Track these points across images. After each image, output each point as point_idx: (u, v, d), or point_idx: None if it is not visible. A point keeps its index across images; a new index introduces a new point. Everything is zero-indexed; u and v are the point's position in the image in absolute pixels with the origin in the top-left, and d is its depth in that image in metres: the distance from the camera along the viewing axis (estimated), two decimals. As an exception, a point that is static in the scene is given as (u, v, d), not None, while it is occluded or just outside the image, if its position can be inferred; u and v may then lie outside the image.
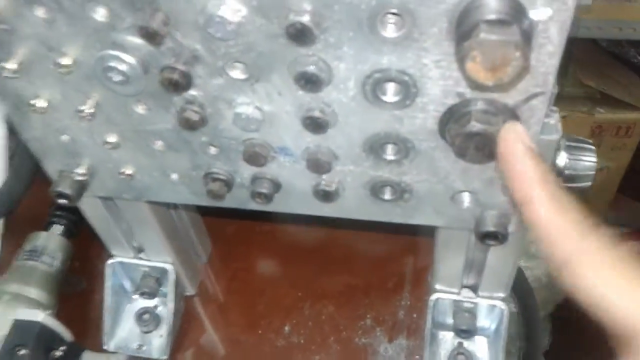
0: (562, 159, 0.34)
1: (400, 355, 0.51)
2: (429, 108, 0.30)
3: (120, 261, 0.51)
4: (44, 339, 0.45)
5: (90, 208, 0.45)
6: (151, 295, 0.52)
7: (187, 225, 0.52)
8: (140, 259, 0.51)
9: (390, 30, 0.26)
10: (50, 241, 0.54)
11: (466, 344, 0.49)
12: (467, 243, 0.41)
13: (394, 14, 0.26)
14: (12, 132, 0.66)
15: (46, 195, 0.56)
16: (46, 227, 0.55)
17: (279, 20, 0.27)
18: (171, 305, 0.51)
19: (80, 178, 0.39)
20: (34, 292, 0.50)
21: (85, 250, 0.57)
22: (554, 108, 0.32)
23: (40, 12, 0.29)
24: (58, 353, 0.46)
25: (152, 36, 0.28)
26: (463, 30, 0.25)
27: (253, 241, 0.59)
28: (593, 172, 0.35)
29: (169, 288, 0.51)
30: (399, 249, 0.58)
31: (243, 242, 0.59)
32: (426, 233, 0.55)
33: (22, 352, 0.44)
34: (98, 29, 0.29)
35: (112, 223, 0.47)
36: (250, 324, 0.54)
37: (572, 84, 0.98)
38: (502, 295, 0.46)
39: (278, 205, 0.38)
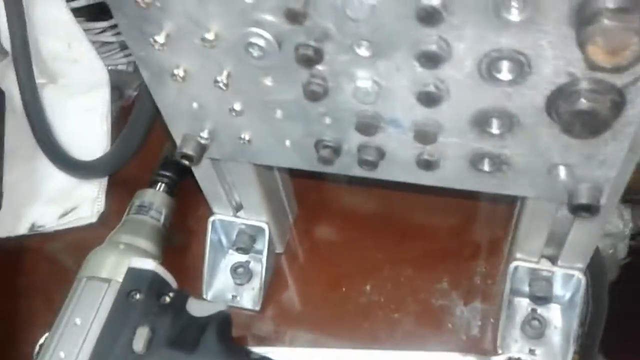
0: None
1: (475, 317, 0.54)
2: (539, 86, 0.32)
3: (220, 218, 0.56)
4: (155, 285, 0.50)
5: (201, 168, 0.49)
6: (245, 251, 0.57)
7: (280, 187, 0.56)
8: (238, 217, 0.56)
9: (513, 14, 0.29)
10: (157, 198, 0.59)
11: (540, 310, 0.52)
12: (553, 215, 0.44)
13: (518, -1, 0.28)
14: (115, 98, 0.72)
15: (145, 158, 0.61)
16: (150, 185, 0.60)
17: (411, 3, 0.30)
18: (264, 261, 0.56)
19: (203, 141, 0.43)
20: (144, 243, 0.55)
21: (182, 208, 0.62)
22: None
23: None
24: (167, 298, 0.51)
25: (295, 16, 0.31)
26: (585, 16, 0.27)
27: (336, 205, 0.63)
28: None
29: (263, 245, 0.56)
30: (476, 218, 0.60)
31: (327, 206, 0.63)
32: (503, 202, 0.58)
33: (137, 296, 0.50)
34: (244, 8, 0.32)
35: (217, 183, 0.51)
36: (333, 282, 0.58)
37: None
38: (580, 265, 0.48)
39: (381, 173, 0.41)
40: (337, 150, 0.40)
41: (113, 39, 0.75)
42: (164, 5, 0.34)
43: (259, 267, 0.57)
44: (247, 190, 0.52)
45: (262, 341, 0.55)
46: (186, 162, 0.44)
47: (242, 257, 0.58)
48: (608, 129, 0.33)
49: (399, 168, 0.41)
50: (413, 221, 0.61)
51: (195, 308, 0.51)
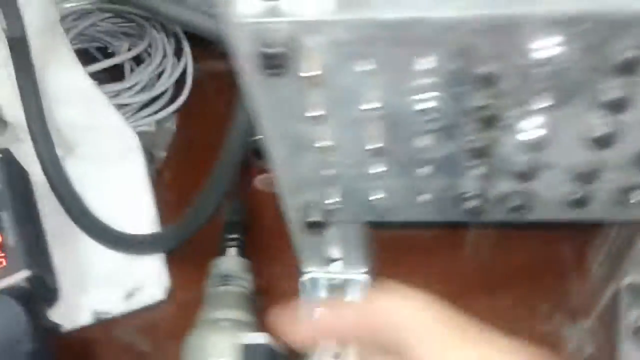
0: None
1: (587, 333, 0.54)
2: None
3: (313, 277, 0.53)
4: (272, 358, 0.48)
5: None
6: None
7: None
8: (330, 272, 0.53)
9: None
10: (235, 264, 0.56)
11: (650, 320, 0.52)
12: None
13: None
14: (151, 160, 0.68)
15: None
16: (221, 252, 0.57)
17: (610, 58, 0.29)
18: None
19: (330, 207, 0.41)
20: (241, 315, 0.52)
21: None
22: None
23: (361, 66, 0.31)
24: (284, 370, 0.48)
25: (488, 81, 0.29)
26: None
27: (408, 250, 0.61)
28: None
29: (357, 297, 0.54)
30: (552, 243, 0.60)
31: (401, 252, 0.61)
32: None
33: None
34: (416, 77, 0.31)
35: (317, 240, 0.49)
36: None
37: None
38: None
39: (531, 216, 0.40)
40: (485, 200, 0.39)
41: (130, 100, 0.71)
42: (326, 78, 0.32)
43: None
44: (350, 243, 0.49)
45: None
46: (317, 229, 0.41)
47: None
48: None
49: (548, 209, 0.39)
50: (498, 257, 0.60)
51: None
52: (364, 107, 0.32)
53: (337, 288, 0.54)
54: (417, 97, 0.32)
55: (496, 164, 0.36)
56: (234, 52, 0.32)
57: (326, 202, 0.40)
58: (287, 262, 0.54)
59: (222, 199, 0.53)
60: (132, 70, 0.74)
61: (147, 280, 0.59)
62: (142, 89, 0.72)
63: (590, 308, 0.56)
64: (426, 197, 0.40)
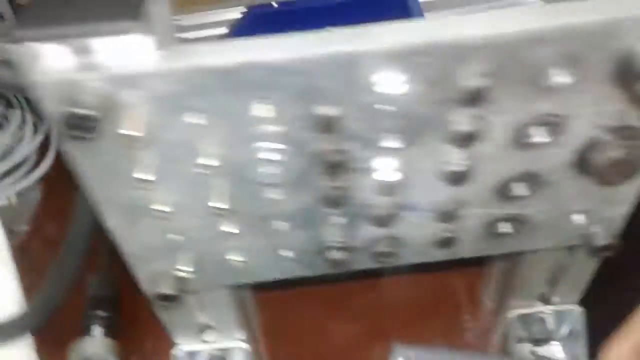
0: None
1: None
2: (570, 143, 0.31)
3: (186, 349, 0.48)
4: None
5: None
6: (221, 377, 0.49)
7: (246, 303, 0.50)
8: (206, 342, 0.48)
9: (556, 80, 0.28)
10: (98, 345, 0.49)
11: (541, 351, 0.51)
12: (561, 259, 0.43)
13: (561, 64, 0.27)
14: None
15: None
16: (84, 331, 0.51)
17: (452, 88, 0.27)
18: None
19: (183, 275, 0.36)
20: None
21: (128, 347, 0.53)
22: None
23: (192, 119, 0.27)
24: None
25: (328, 126, 0.27)
26: (634, 72, 0.27)
27: (296, 307, 0.58)
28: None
29: (240, 366, 0.49)
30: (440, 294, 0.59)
31: (287, 311, 0.58)
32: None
33: None
34: (255, 126, 0.28)
35: (184, 311, 0.44)
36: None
37: None
38: (575, 298, 0.48)
39: (397, 260, 0.38)
40: (349, 250, 0.36)
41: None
42: (152, 137, 0.28)
43: (242, 390, 0.49)
44: (220, 310, 0.45)
45: None
46: (165, 303, 0.36)
47: (217, 384, 0.50)
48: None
49: (416, 251, 0.37)
50: (384, 301, 0.58)
51: None
52: (200, 162, 0.29)
53: (218, 358, 0.49)
54: (258, 147, 0.29)
55: (354, 211, 0.34)
56: (44, 112, 0.27)
57: (178, 270, 0.36)
58: (161, 336, 0.49)
59: (76, 270, 0.47)
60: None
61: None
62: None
63: (486, 342, 0.54)
64: (287, 253, 0.37)
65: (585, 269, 0.45)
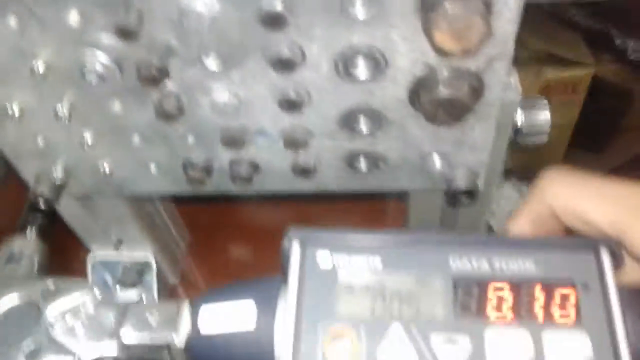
0: (520, 117, 0.37)
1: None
2: (399, 79, 0.31)
3: (100, 258, 0.51)
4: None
5: (67, 208, 0.45)
6: (133, 286, 0.53)
7: (162, 214, 0.53)
8: (120, 253, 0.52)
9: (359, 11, 0.28)
10: (24, 244, 0.53)
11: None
12: (440, 206, 0.43)
13: (361, -7, 0.27)
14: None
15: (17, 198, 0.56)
16: (20, 231, 0.55)
17: (252, 9, 0.28)
18: (155, 296, 0.52)
19: (58, 179, 0.39)
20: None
21: (61, 247, 0.57)
22: (513, 69, 0.34)
23: (11, 21, 0.29)
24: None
25: (127, 34, 0.28)
26: (428, 3, 0.26)
27: (228, 225, 0.60)
28: (548, 127, 0.37)
29: (151, 278, 0.52)
30: (371, 218, 0.60)
31: (219, 228, 0.60)
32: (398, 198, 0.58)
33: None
34: (72, 31, 0.29)
35: (89, 220, 0.47)
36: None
37: (519, 48, 1.01)
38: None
39: (258, 186, 0.39)
40: (207, 170, 0.38)
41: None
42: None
43: (150, 301, 0.53)
44: (124, 224, 0.48)
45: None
46: (42, 205, 0.39)
47: (133, 293, 0.54)
48: (470, 113, 0.33)
49: (276, 179, 0.39)
50: (312, 220, 0.59)
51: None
52: (31, 65, 0.31)
53: (128, 270, 0.52)
54: (80, 54, 0.30)
55: (201, 130, 0.35)
56: None
57: (52, 173, 0.39)
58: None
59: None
60: None
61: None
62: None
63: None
64: (153, 168, 0.39)
65: (473, 222, 0.45)
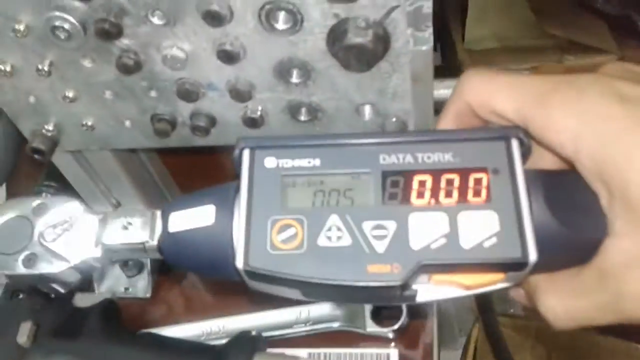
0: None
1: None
2: (315, 31, 0.36)
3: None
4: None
5: (66, 166, 0.52)
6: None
7: (151, 172, 0.59)
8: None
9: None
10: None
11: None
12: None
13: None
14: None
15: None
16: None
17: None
18: (149, 250, 0.58)
19: (50, 134, 0.46)
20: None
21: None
22: (428, 24, 0.38)
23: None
24: (53, 295, 0.53)
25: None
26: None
27: (216, 175, 0.65)
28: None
29: (146, 235, 0.58)
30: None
31: (207, 178, 0.65)
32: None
33: (20, 296, 0.52)
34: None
35: (87, 179, 0.54)
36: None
37: (539, 36, 1.03)
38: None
39: (217, 138, 0.45)
40: (171, 122, 0.44)
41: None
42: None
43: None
44: (116, 181, 0.54)
45: (156, 323, 0.58)
46: (39, 157, 0.46)
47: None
48: (385, 63, 0.37)
49: (231, 130, 0.44)
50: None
51: (81, 300, 0.53)
52: (14, 26, 0.37)
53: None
54: (50, 15, 0.37)
55: (160, 84, 0.41)
56: None
57: (45, 128, 0.45)
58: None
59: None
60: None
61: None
62: None
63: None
64: (127, 123, 0.45)
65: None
